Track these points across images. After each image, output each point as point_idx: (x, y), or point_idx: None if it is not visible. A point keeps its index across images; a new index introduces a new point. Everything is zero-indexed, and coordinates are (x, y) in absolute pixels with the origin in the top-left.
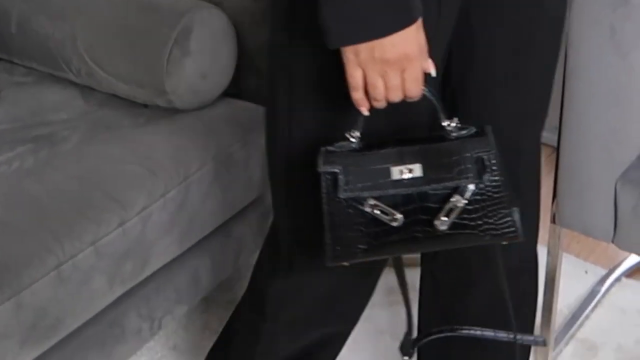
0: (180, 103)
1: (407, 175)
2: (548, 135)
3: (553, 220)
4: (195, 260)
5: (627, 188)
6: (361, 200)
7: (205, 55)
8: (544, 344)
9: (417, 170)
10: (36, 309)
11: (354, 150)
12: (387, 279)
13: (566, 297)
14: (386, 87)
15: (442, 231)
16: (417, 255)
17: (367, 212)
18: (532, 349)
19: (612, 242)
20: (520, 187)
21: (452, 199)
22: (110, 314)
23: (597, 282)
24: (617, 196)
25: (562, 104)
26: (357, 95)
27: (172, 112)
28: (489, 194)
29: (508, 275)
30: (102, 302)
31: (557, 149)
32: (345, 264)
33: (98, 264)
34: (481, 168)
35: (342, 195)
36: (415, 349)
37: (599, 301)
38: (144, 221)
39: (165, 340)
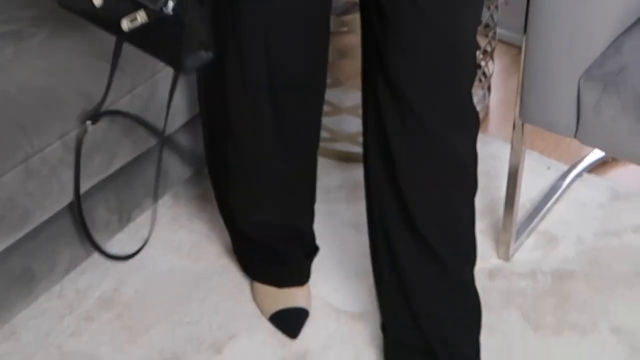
0: None
1: None
2: (513, 35)
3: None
4: (163, 155)
5: (590, 85)
6: None
7: None
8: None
9: None
10: (4, 201)
11: None
12: (352, 174)
13: (529, 191)
14: None
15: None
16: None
17: None
18: (495, 242)
19: (575, 137)
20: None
21: (140, 12)
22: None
23: (559, 177)
24: (580, 92)
25: (527, 2)
26: None
27: None
28: (172, 23)
29: None
30: (70, 195)
31: (524, 48)
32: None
33: (66, 157)
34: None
35: None
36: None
37: (560, 195)
38: (111, 116)
39: (135, 233)
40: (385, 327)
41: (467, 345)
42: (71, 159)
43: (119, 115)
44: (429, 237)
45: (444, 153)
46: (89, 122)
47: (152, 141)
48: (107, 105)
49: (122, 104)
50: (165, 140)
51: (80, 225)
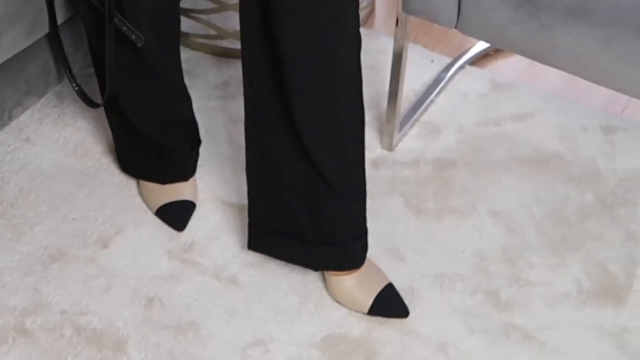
0: None
1: None
2: None
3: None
4: (45, 53)
5: None
6: None
7: None
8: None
9: None
10: None
11: None
12: (238, 71)
13: (413, 84)
14: None
15: None
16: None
17: None
18: (380, 133)
19: (456, 27)
20: None
21: None
22: None
23: (442, 70)
24: None
25: None
26: None
27: None
28: None
29: None
30: None
31: None
32: None
33: None
34: None
35: None
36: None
37: (443, 87)
38: None
39: (19, 133)
40: (252, 210)
41: (338, 232)
42: None
43: None
44: (303, 133)
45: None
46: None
47: (34, 37)
48: None
49: None
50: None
51: None
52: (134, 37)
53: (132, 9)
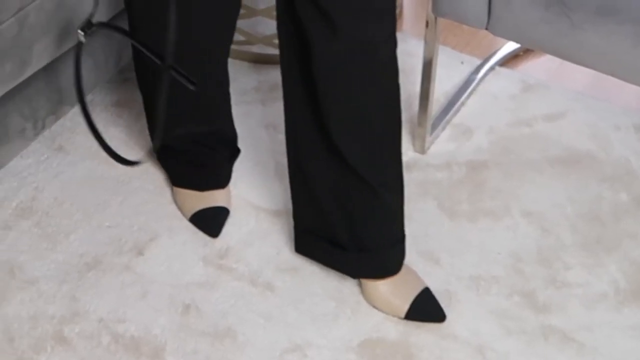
0: None
1: None
2: None
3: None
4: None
5: None
6: None
7: None
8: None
9: None
10: None
11: None
12: (268, 76)
13: (443, 86)
14: None
15: None
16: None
17: None
18: (412, 136)
19: (486, 28)
20: None
21: None
22: None
23: (472, 71)
24: None
25: None
26: None
27: None
28: None
29: None
30: None
31: None
32: None
33: None
34: None
35: None
36: (93, 31)
37: (473, 89)
38: (20, 22)
39: (51, 142)
40: (295, 215)
41: (375, 238)
42: None
43: (111, 29)
44: (341, 144)
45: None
46: (80, 32)
47: (65, 46)
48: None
49: (32, 9)
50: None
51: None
52: (187, 82)
53: (191, 53)
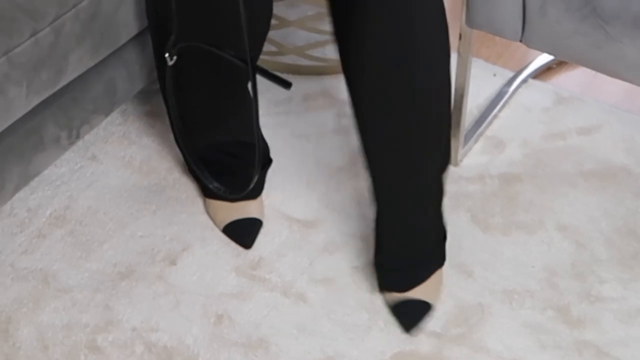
0: None
1: None
2: None
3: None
4: (111, 71)
5: None
6: None
7: None
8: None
9: None
10: None
11: None
12: (301, 87)
13: (476, 98)
14: None
15: None
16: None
17: None
18: None
19: (521, 41)
20: None
21: None
22: (27, 123)
23: (505, 83)
24: None
25: None
26: None
27: None
28: None
29: None
30: (18, 111)
31: None
32: None
33: (12, 73)
34: None
35: None
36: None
37: (506, 101)
38: (56, 31)
39: (85, 151)
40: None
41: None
42: (17, 75)
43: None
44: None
45: None
46: (167, 55)
47: (100, 56)
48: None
49: (67, 18)
50: (256, 69)
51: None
52: (280, 82)
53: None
